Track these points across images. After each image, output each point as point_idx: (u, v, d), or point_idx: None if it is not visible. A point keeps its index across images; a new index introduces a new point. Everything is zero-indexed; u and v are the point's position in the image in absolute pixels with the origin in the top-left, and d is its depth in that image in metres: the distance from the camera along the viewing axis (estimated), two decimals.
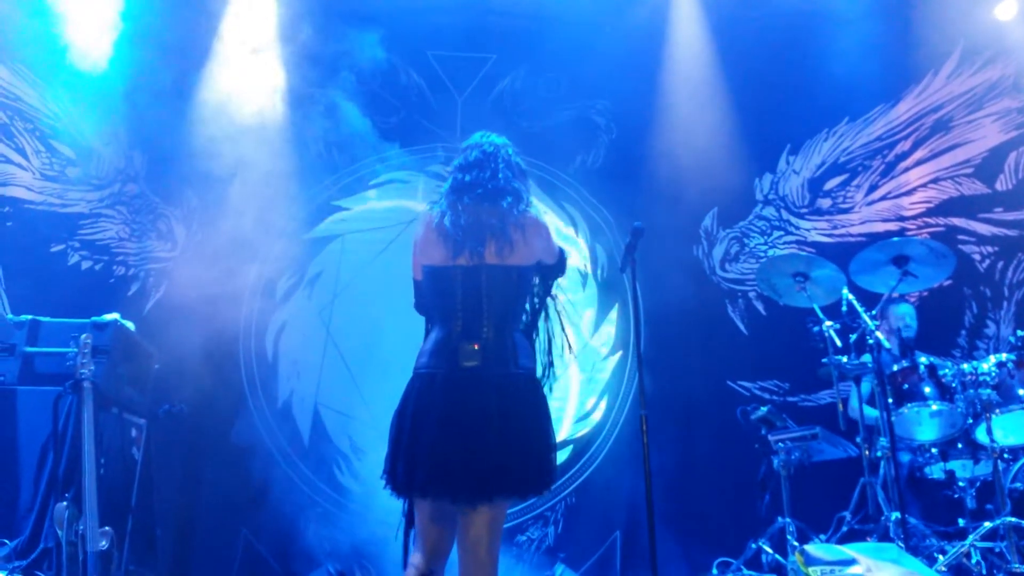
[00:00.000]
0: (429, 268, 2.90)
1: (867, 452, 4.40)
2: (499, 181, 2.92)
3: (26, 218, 5.60)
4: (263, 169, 5.68)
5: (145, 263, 5.72)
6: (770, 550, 4.34)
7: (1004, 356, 4.30)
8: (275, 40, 5.96)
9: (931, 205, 5.92)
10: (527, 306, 3.02)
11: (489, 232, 2.83)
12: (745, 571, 4.36)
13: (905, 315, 5.05)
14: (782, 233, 6.01)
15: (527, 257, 2.89)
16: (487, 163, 2.96)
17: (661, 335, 5.56)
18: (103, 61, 5.59)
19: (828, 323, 4.52)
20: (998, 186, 5.87)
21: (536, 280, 3.05)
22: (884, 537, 4.04)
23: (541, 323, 3.08)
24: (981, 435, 4.19)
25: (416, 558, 2.75)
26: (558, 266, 3.09)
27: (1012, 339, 4.42)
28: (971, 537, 3.89)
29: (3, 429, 4.14)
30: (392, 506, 2.96)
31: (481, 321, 2.79)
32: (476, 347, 2.76)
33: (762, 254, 5.93)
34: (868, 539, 4.14)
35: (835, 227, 5.97)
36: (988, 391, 4.16)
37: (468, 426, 2.68)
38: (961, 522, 4.24)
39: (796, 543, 4.15)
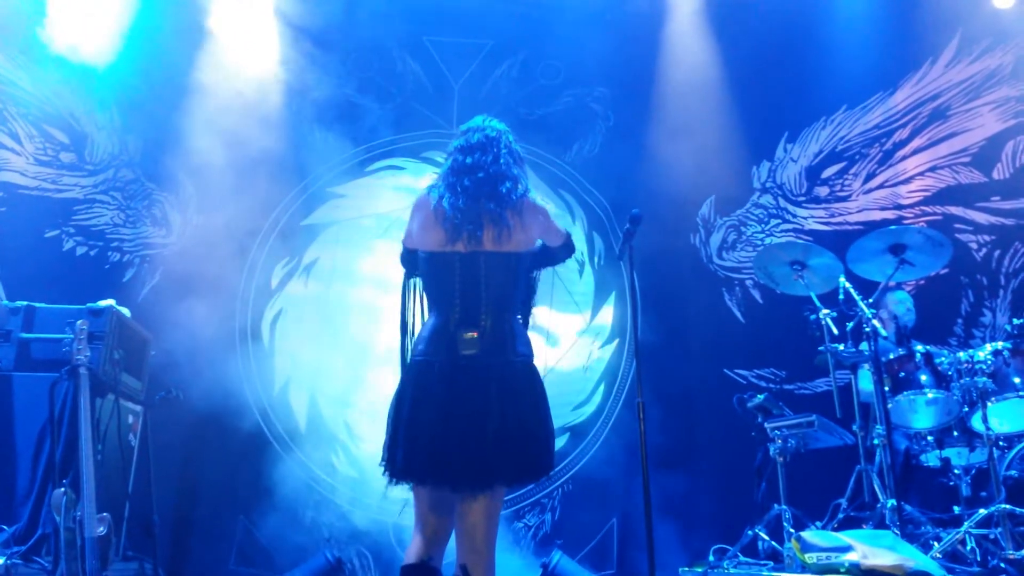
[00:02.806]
0: (427, 253, 2.89)
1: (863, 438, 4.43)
2: (500, 166, 2.91)
3: (20, 203, 5.57)
4: (258, 155, 5.66)
5: (140, 249, 5.70)
6: (766, 537, 4.36)
7: (1000, 344, 4.31)
8: (271, 25, 5.92)
9: (928, 193, 5.92)
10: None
11: (487, 217, 2.82)
12: (741, 558, 4.37)
13: (904, 300, 5.07)
14: (779, 221, 6.01)
15: (524, 243, 2.89)
16: (490, 147, 2.94)
17: (658, 323, 5.56)
18: (97, 46, 5.55)
19: (825, 311, 4.53)
20: (995, 175, 5.87)
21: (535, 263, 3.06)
22: (880, 524, 4.06)
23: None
24: (977, 423, 4.21)
25: (415, 544, 2.76)
26: (566, 247, 3.10)
27: (1008, 327, 4.44)
28: (966, 524, 3.91)
29: None
30: (392, 494, 2.96)
31: (479, 308, 2.79)
32: (475, 335, 2.76)
33: (759, 242, 5.92)
34: (864, 526, 4.16)
35: (832, 215, 5.98)
36: (984, 379, 4.18)
37: (467, 414, 2.68)
38: (956, 509, 4.26)
39: (792, 530, 4.16)
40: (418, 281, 3.04)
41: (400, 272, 3.13)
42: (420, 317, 3.02)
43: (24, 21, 5.51)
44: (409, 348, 2.98)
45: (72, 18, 5.51)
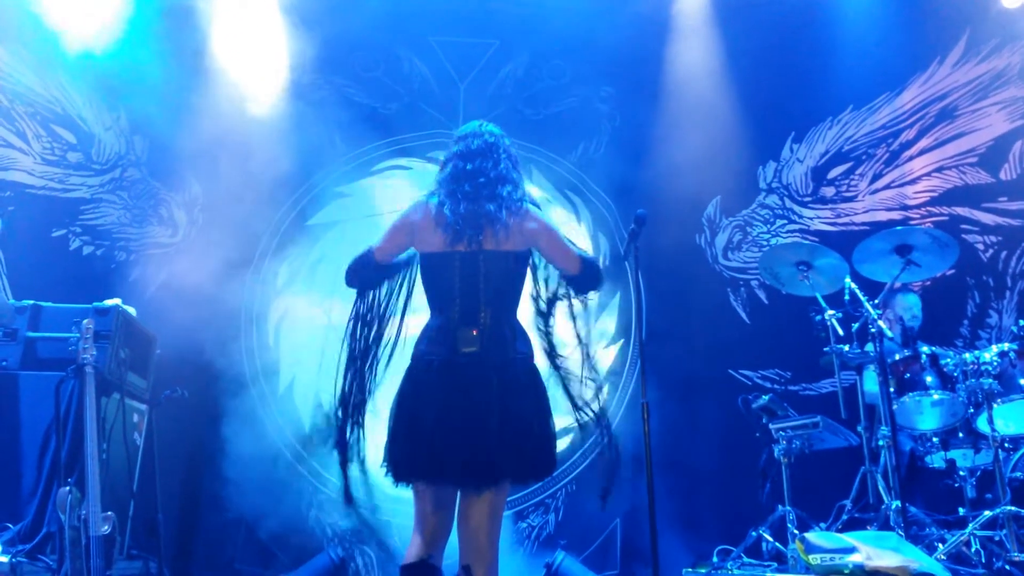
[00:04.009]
0: (427, 255, 2.93)
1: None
2: (500, 170, 2.96)
3: (27, 203, 5.59)
4: (264, 155, 5.68)
5: (146, 248, 5.72)
6: (771, 538, 4.35)
7: (1006, 346, 4.29)
8: (277, 26, 5.93)
9: (935, 194, 5.89)
10: (540, 294, 3.03)
11: (486, 219, 2.86)
12: (745, 559, 4.37)
13: (913, 306, 5.04)
14: (785, 222, 6.00)
15: (522, 243, 2.92)
16: (490, 152, 2.99)
17: (663, 323, 5.55)
18: (104, 44, 5.57)
19: (830, 312, 4.52)
20: (1002, 175, 5.84)
21: (548, 274, 3.04)
22: (884, 526, 4.05)
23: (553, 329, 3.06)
24: (982, 424, 4.19)
25: (414, 543, 2.76)
26: (586, 275, 3.00)
27: (1014, 329, 4.42)
28: (971, 526, 3.90)
29: (5, 414, 4.15)
30: (394, 493, 2.96)
31: (479, 307, 2.82)
32: (475, 332, 2.79)
33: (765, 243, 5.91)
34: (868, 527, 4.15)
35: (838, 216, 5.96)
36: (990, 380, 4.16)
37: (469, 411, 2.70)
38: (961, 511, 4.25)
39: (797, 531, 4.16)
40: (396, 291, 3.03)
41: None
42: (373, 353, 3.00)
43: (31, 20, 5.53)
44: (353, 386, 3.02)
45: (80, 18, 5.52)
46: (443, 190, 2.95)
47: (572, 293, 3.06)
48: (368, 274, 3.04)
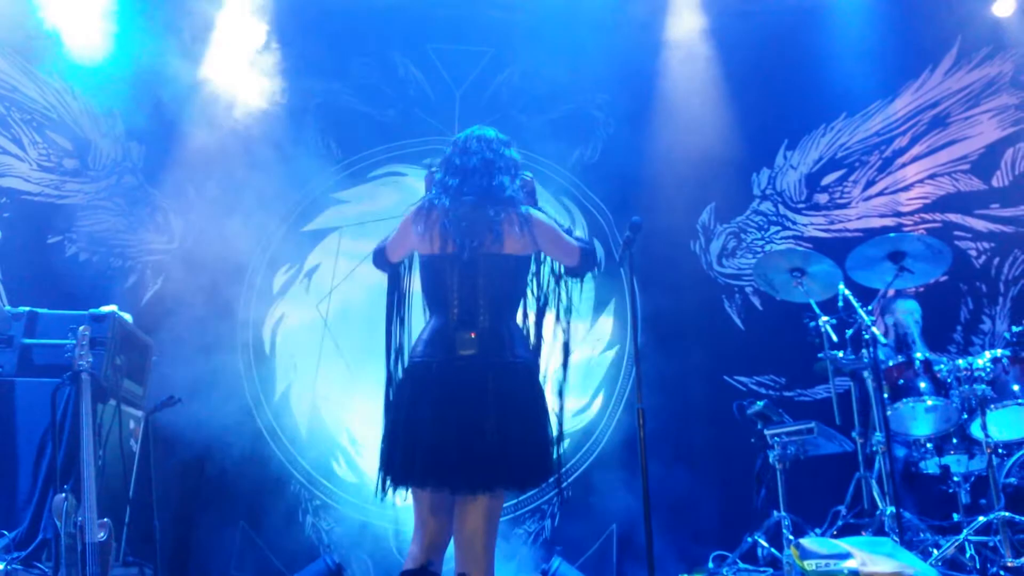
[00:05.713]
0: (425, 258, 2.93)
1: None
2: (501, 175, 2.97)
3: (23, 209, 5.58)
4: (261, 161, 5.68)
5: (143, 255, 5.72)
6: (766, 544, 4.37)
7: (999, 352, 4.33)
8: (273, 31, 5.95)
9: (928, 201, 5.93)
10: (531, 294, 3.05)
11: (487, 222, 2.86)
12: (741, 564, 4.38)
13: (914, 310, 5.07)
14: (779, 228, 6.02)
15: (524, 247, 2.91)
16: (490, 156, 3.00)
17: (658, 330, 5.57)
18: (101, 52, 5.58)
19: (824, 318, 4.54)
20: (995, 182, 5.88)
21: (544, 273, 3.07)
22: (879, 531, 4.07)
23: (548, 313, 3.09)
24: (976, 430, 4.22)
25: (415, 549, 2.76)
26: (583, 265, 3.07)
27: (1007, 335, 4.45)
28: (965, 531, 3.92)
29: (1, 421, 4.15)
30: (391, 498, 2.96)
31: (478, 310, 2.82)
32: (473, 335, 2.78)
33: (759, 249, 5.94)
34: (863, 533, 4.17)
35: (832, 222, 5.99)
36: (983, 387, 4.19)
37: (466, 414, 2.69)
38: (955, 516, 4.28)
39: (792, 537, 4.17)
40: (405, 293, 3.09)
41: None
42: (405, 332, 3.05)
43: (28, 27, 5.53)
44: (394, 365, 3.03)
45: (76, 25, 5.53)
46: (444, 193, 2.95)
47: (568, 281, 3.12)
48: (384, 268, 3.12)
